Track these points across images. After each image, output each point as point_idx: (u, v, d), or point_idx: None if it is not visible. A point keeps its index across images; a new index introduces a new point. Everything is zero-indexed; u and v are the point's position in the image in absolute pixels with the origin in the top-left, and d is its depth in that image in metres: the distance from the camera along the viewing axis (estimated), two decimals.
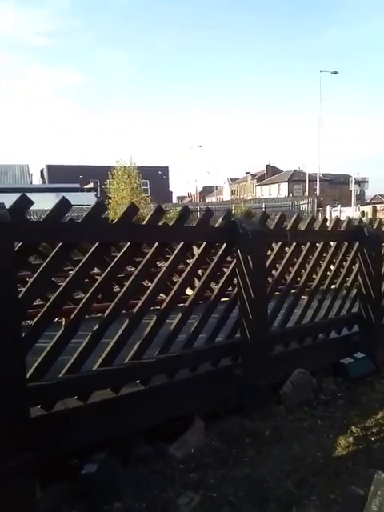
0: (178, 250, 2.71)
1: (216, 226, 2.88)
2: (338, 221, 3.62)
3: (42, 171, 43.23)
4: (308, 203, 30.98)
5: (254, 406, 2.98)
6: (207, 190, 71.85)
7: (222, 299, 2.99)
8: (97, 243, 2.35)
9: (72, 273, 2.32)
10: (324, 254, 3.58)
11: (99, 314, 2.94)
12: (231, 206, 26.11)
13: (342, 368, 3.63)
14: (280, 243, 3.20)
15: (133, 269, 3.17)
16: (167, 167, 47.27)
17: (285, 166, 61.12)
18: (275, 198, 37.86)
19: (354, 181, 33.39)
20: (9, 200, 2.03)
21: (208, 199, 59.57)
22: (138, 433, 2.87)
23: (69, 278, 2.28)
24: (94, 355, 2.43)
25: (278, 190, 54.65)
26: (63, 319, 2.88)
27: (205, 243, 2.82)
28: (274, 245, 3.40)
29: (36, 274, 2.13)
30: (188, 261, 3.06)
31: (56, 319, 2.53)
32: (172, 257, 2.68)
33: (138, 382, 2.62)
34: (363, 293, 3.75)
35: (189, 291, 3.13)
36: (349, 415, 2.96)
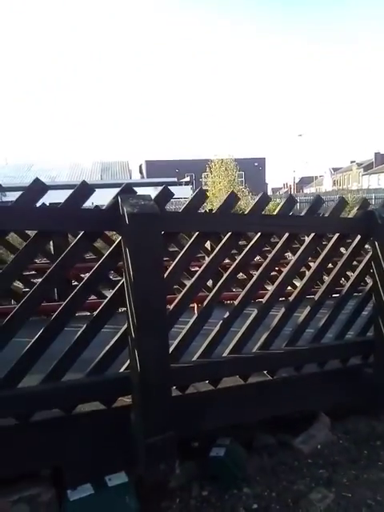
0: (308, 241, 2.63)
1: (350, 216, 2.74)
2: None
3: (140, 167, 45.49)
4: None
5: None
6: (305, 181, 69.01)
7: (354, 294, 2.84)
8: (229, 233, 2.40)
9: (206, 261, 2.39)
10: None
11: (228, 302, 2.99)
12: (335, 197, 24.76)
13: None
14: None
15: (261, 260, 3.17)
16: (264, 158, 46.48)
17: None
18: None
19: None
20: (110, 195, 2.09)
21: (306, 190, 57.20)
22: (260, 423, 2.89)
23: (204, 265, 2.36)
24: (224, 343, 2.50)
25: None
26: (195, 306, 2.99)
27: (337, 235, 2.71)
28: None
29: (176, 260, 2.24)
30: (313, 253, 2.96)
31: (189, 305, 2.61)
32: (303, 247, 2.62)
33: (265, 372, 2.62)
34: None
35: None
36: None
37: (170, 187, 2.26)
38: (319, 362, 2.76)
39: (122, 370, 2.24)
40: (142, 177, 42.67)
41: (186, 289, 2.33)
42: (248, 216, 2.48)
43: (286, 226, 2.53)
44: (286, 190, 63.31)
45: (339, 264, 2.76)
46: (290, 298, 2.65)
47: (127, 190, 2.13)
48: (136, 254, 1.94)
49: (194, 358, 2.41)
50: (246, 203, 17.76)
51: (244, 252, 2.49)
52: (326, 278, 2.83)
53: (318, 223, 2.65)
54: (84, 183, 2.08)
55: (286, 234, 2.56)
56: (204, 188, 2.34)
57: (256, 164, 42.57)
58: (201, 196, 2.32)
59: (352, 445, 2.68)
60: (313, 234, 2.63)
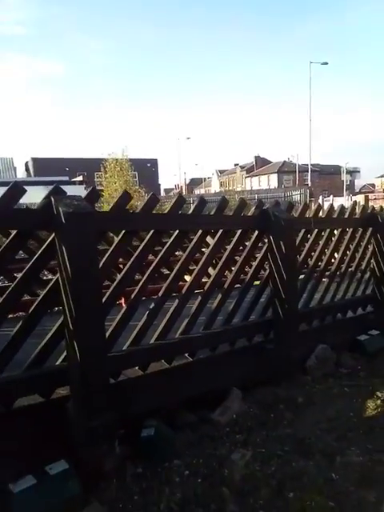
0: (218, 236, 2.99)
1: (249, 214, 3.17)
2: (353, 209, 3.95)
3: (26, 164, 42.84)
4: (300, 194, 31.54)
5: (285, 376, 3.30)
6: (195, 182, 71.77)
7: (255, 283, 3.29)
8: (152, 231, 2.64)
9: (132, 258, 2.60)
10: (342, 240, 3.90)
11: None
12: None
13: (359, 344, 3.97)
14: (303, 230, 3.51)
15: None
16: (156, 159, 47.26)
17: (273, 158, 61.56)
18: (267, 189, 38.31)
19: (345, 171, 33.94)
20: None
21: (196, 191, 59.60)
22: (180, 403, 3.18)
23: (130, 261, 2.56)
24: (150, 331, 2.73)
25: (268, 182, 55.03)
26: (123, 300, 3.15)
27: (240, 230, 3.12)
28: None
29: (105, 258, 2.41)
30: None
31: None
32: (213, 242, 2.98)
33: (186, 354, 2.92)
34: (377, 275, 4.09)
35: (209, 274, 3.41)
36: (373, 383, 3.31)
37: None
38: (230, 342, 3.15)
39: (58, 362, 2.34)
40: (29, 175, 40.09)
41: (114, 284, 2.51)
42: (168, 215, 2.74)
43: (201, 223, 2.86)
44: (177, 191, 64.96)
45: (242, 256, 3.18)
46: (205, 288, 2.98)
47: (57, 190, 2.24)
48: (73, 251, 2.07)
49: (124, 347, 2.60)
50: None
51: (164, 248, 2.75)
52: (233, 268, 3.23)
53: (227, 221, 3.03)
54: (16, 184, 2.13)
55: (200, 231, 2.89)
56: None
57: (149, 165, 43.01)
58: (126, 197, 2.51)
59: (261, 411, 3.10)
60: (221, 231, 3.00)
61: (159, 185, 47.68)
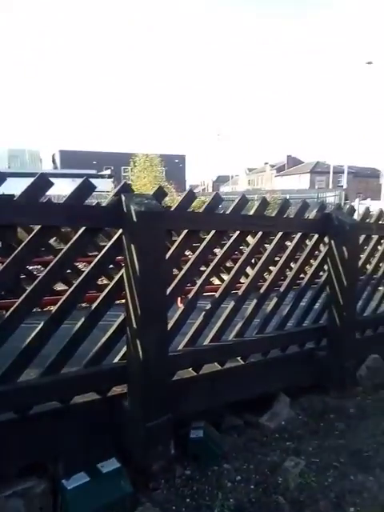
0: (277, 238, 2.92)
1: (311, 217, 3.08)
2: None
3: (53, 156, 43.01)
4: (335, 196, 30.78)
5: (335, 386, 3.21)
6: (221, 180, 71.25)
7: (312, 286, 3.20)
8: (213, 231, 2.60)
9: (193, 257, 2.56)
10: None
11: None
12: (254, 197, 26.01)
13: None
14: (364, 235, 3.39)
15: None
16: (184, 155, 47.03)
17: (306, 159, 60.51)
18: (299, 190, 37.60)
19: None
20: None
21: (222, 189, 59.11)
22: (225, 406, 3.14)
23: (190, 261, 2.53)
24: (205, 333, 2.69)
25: (299, 182, 54.14)
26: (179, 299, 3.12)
27: (300, 233, 3.04)
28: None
29: (170, 253, 2.38)
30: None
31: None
32: (272, 244, 2.91)
33: (239, 358, 2.87)
34: None
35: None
36: None
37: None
38: (282, 347, 3.08)
39: (116, 360, 2.33)
40: (55, 167, 40.45)
41: (174, 283, 2.48)
42: (230, 215, 2.68)
43: (262, 225, 2.79)
44: (203, 187, 64.78)
45: (300, 259, 3.10)
46: (261, 290, 2.92)
47: (126, 187, 2.22)
48: (142, 249, 2.05)
49: (180, 347, 2.57)
50: (172, 200, 17.88)
51: (224, 248, 2.71)
52: (289, 271, 3.15)
53: (289, 223, 2.95)
54: (85, 180, 2.12)
55: (260, 232, 2.82)
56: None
57: (176, 161, 42.95)
58: (191, 196, 2.47)
59: (310, 419, 3.03)
60: (281, 233, 2.93)
61: (185, 181, 47.56)
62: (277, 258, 3.08)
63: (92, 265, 2.18)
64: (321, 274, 3.25)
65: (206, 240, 2.58)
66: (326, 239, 3.09)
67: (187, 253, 3.05)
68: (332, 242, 3.02)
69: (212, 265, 2.64)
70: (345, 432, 2.84)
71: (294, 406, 3.20)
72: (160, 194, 2.32)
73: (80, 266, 5.25)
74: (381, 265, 3.64)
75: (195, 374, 2.65)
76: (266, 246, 3.00)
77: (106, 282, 4.06)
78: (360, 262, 3.43)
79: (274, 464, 2.56)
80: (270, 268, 3.07)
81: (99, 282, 4.02)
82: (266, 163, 67.60)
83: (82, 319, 2.19)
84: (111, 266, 2.58)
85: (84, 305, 3.50)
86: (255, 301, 2.88)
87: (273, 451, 2.70)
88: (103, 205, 2.25)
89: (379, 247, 3.55)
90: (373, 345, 3.61)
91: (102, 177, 29.03)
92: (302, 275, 3.22)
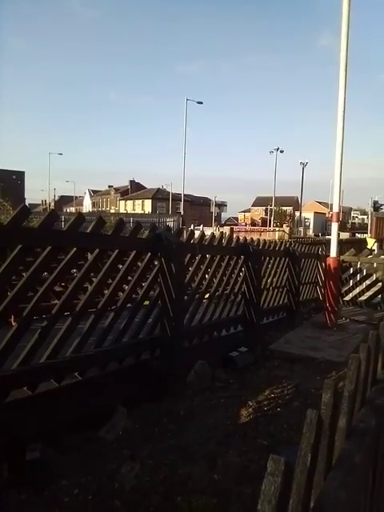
0: (113, 256, 3.11)
1: (143, 237, 3.37)
2: (230, 238, 4.43)
3: None
4: (174, 221, 32.85)
5: (169, 392, 3.50)
6: (65, 200, 69.54)
7: (144, 303, 3.46)
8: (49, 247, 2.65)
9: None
10: (220, 265, 4.33)
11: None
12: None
13: (230, 360, 4.40)
14: (189, 254, 3.83)
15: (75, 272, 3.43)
16: (23, 172, 44.63)
17: (149, 184, 63.31)
18: (143, 214, 39.01)
19: (214, 203, 36.63)
20: None
21: (66, 209, 57.67)
22: (65, 424, 3.13)
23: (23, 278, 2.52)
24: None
25: (142, 206, 56.22)
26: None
27: (134, 252, 3.29)
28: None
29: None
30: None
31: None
32: (109, 261, 3.08)
33: (76, 373, 2.92)
34: (247, 298, 4.61)
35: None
36: (244, 394, 3.69)
37: None
38: (119, 360, 3.24)
39: None
40: None
41: (6, 300, 2.43)
42: (67, 232, 2.76)
43: (98, 242, 2.94)
44: (44, 207, 61.65)
45: (136, 275, 3.34)
46: (98, 306, 3.05)
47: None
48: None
49: (13, 367, 2.51)
50: (6, 219, 16.59)
51: (61, 265, 2.77)
52: (125, 287, 3.36)
53: (124, 242, 3.16)
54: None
55: (97, 250, 2.97)
56: None
57: (14, 177, 40.19)
58: (25, 211, 2.49)
59: (146, 425, 3.23)
60: (117, 251, 3.12)
61: (25, 199, 44.83)
62: (115, 275, 3.25)
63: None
64: (155, 288, 3.54)
65: (42, 256, 2.61)
66: (158, 257, 3.40)
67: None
68: (162, 259, 3.35)
69: (47, 282, 2.66)
70: (175, 432, 3.11)
71: (132, 416, 3.37)
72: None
73: None
74: (204, 281, 4.13)
75: (30, 393, 2.60)
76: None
77: None
78: (187, 278, 3.85)
79: (111, 472, 2.66)
80: (108, 283, 3.22)
81: None
82: (111, 186, 68.34)
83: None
84: None
85: None
86: (93, 316, 2.99)
87: (110, 461, 2.80)
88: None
89: (202, 266, 4.04)
90: (199, 352, 4.04)
91: None
92: (138, 289, 3.46)
